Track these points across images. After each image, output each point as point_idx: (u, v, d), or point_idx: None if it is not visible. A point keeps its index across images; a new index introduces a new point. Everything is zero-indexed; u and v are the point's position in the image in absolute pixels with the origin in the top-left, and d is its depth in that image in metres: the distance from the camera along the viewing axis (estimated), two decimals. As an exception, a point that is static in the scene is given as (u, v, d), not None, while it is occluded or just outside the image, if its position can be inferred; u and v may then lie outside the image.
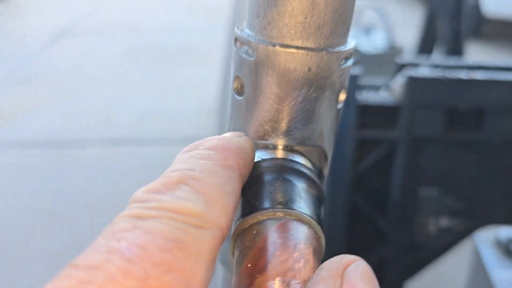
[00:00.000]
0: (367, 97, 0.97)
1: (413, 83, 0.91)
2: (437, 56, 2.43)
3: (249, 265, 0.25)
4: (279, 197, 0.29)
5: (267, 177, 0.31)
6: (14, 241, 1.96)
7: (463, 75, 0.92)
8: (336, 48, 0.31)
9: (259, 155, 0.33)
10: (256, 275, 0.25)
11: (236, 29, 0.34)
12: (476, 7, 4.65)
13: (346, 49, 0.32)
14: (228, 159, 0.27)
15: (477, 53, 4.06)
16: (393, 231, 1.02)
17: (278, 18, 0.30)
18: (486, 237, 1.09)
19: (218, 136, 0.30)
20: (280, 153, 0.33)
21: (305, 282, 0.25)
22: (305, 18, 0.30)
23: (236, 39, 0.33)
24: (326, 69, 0.31)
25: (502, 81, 0.93)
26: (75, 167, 2.47)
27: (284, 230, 0.27)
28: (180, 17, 5.41)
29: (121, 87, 3.45)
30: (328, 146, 0.36)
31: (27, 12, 5.60)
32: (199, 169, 0.25)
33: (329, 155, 0.37)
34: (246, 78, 0.33)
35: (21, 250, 1.91)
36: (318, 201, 0.32)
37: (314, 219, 0.29)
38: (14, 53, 4.08)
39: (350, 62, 0.33)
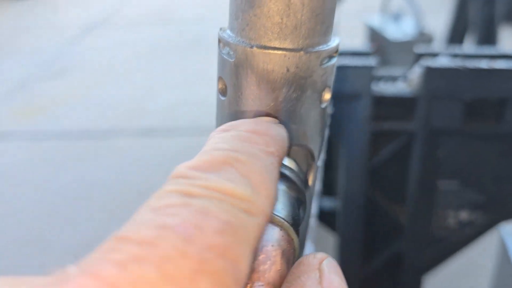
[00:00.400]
0: (383, 88, 0.95)
1: (431, 73, 0.89)
2: (468, 44, 2.35)
3: None
4: None
5: None
6: (45, 229, 2.02)
7: (483, 64, 0.89)
8: (316, 48, 0.31)
9: None
10: None
11: (219, 30, 0.34)
12: (513, -10, 4.48)
13: (327, 48, 0.32)
14: (269, 145, 0.26)
15: (513, 39, 3.92)
16: (411, 224, 1.00)
17: (255, 20, 0.30)
18: (512, 230, 1.06)
19: (257, 119, 0.30)
20: None
21: (269, 284, 0.25)
22: (281, 19, 0.29)
23: (219, 40, 0.33)
24: (305, 69, 0.31)
25: (525, 70, 0.90)
26: (107, 157, 2.52)
27: None
28: (212, 9, 5.42)
29: (152, 78, 3.49)
30: (314, 146, 0.36)
31: (59, 6, 5.71)
32: (242, 151, 0.24)
33: (316, 154, 0.37)
34: (228, 79, 0.33)
35: (53, 239, 1.97)
36: (297, 203, 0.32)
37: (288, 221, 0.29)
38: (47, 46, 4.17)
39: (333, 61, 0.33)
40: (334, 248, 1.14)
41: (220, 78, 0.34)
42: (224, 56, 0.33)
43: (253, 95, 0.32)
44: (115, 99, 3.15)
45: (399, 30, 2.86)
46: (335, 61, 0.33)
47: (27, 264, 1.85)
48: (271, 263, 0.25)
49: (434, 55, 0.97)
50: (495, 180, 0.97)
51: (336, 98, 0.93)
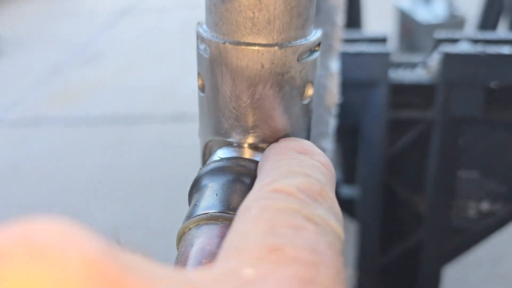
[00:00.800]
0: (401, 75, 0.92)
1: (450, 59, 0.86)
2: (501, 30, 2.25)
3: None
4: (223, 200, 0.28)
5: (220, 179, 0.30)
6: (75, 215, 2.07)
7: (505, 50, 0.85)
8: (292, 43, 0.30)
9: (219, 154, 0.33)
10: None
11: (197, 24, 0.33)
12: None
13: (305, 42, 0.30)
14: (332, 180, 0.27)
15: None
16: (430, 214, 0.98)
17: (227, 14, 0.29)
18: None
19: (320, 150, 0.29)
20: (242, 152, 0.33)
21: None
22: (253, 13, 0.28)
23: (197, 35, 0.33)
24: (281, 65, 0.30)
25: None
26: (138, 142, 2.55)
27: (217, 236, 0.26)
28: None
29: (182, 63, 3.50)
30: None
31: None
32: (328, 187, 0.25)
33: None
34: (205, 75, 0.33)
35: (89, 222, 2.01)
36: None
37: None
38: (79, 33, 4.24)
39: (314, 55, 0.32)
40: (354, 237, 1.13)
41: (199, 74, 0.34)
42: (201, 52, 0.32)
43: (229, 92, 0.31)
44: (146, 84, 3.18)
45: (430, 13, 2.77)
46: (316, 55, 0.32)
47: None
48: None
49: (455, 40, 0.93)
50: (517, 170, 0.93)
51: (353, 85, 0.91)
